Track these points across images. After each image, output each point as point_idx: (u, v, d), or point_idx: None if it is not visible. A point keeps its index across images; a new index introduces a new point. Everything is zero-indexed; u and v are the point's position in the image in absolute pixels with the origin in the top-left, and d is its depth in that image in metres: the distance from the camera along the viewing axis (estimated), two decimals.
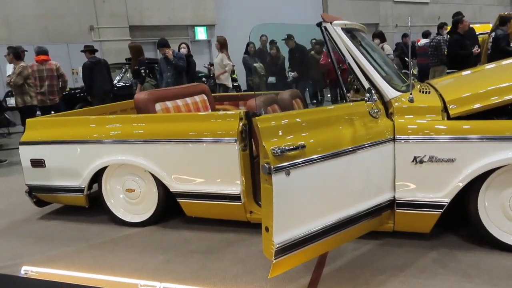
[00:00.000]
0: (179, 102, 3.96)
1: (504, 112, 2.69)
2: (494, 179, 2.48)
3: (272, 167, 1.94)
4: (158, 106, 3.66)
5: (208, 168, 2.96)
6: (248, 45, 8.59)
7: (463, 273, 2.31)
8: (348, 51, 2.62)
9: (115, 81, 8.70)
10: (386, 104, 2.62)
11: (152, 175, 3.15)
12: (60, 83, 6.78)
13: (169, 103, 3.81)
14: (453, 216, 2.86)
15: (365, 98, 2.38)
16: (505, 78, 2.61)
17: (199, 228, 3.15)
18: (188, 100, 4.11)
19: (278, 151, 1.96)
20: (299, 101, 4.15)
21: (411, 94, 2.56)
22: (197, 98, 4.25)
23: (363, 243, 2.72)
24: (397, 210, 2.59)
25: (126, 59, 9.81)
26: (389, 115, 2.59)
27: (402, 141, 2.49)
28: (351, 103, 2.43)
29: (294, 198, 2.07)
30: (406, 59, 9.82)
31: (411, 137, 2.48)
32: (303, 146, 2.05)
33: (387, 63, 3.69)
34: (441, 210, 2.51)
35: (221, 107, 4.70)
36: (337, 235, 2.32)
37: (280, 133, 2.06)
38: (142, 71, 6.40)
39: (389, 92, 2.61)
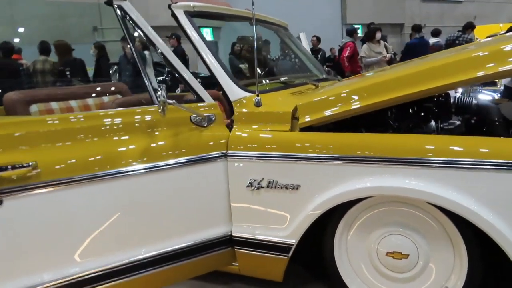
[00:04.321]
0: (73, 102, 3.48)
1: (382, 124, 1.97)
2: (355, 217, 1.78)
3: None
4: (34, 107, 3.20)
5: None
6: (233, 45, 8.08)
7: None
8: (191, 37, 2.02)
9: None
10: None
11: None
12: None
13: (55, 104, 3.33)
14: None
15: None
16: (372, 79, 1.88)
17: None
18: (90, 101, 3.62)
19: None
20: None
21: (257, 95, 1.91)
22: (106, 99, 3.75)
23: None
24: (236, 249, 1.95)
25: None
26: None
27: (235, 158, 1.85)
28: (150, 107, 1.81)
29: (16, 237, 1.50)
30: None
31: (244, 153, 1.83)
32: (28, 166, 1.47)
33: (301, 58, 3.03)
34: (287, 255, 1.83)
35: None
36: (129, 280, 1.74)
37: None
38: (67, 72, 5.98)
39: (232, 91, 1.97)
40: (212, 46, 2.05)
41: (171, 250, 1.83)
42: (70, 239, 1.60)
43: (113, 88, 3.91)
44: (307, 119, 1.76)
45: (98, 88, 3.68)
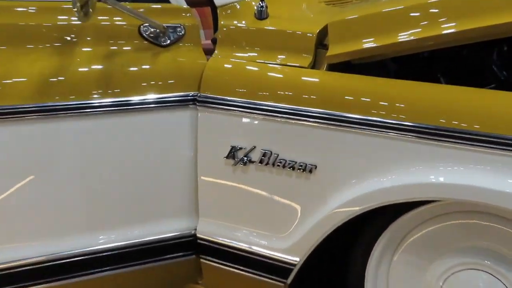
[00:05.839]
0: None
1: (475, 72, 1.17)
2: (409, 230, 1.01)
3: None
4: None
5: None
6: None
7: None
8: None
9: None
10: None
11: None
12: None
13: None
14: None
15: None
16: None
17: None
18: None
19: None
20: None
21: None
22: None
23: None
24: (202, 260, 1.19)
25: None
26: None
27: (211, 106, 1.07)
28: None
29: None
30: None
31: (227, 99, 1.05)
32: None
33: None
34: (285, 280, 1.07)
35: None
36: None
37: None
38: None
39: None
40: None
41: (93, 252, 1.09)
42: None
43: None
44: (368, 45, 0.95)
45: None
